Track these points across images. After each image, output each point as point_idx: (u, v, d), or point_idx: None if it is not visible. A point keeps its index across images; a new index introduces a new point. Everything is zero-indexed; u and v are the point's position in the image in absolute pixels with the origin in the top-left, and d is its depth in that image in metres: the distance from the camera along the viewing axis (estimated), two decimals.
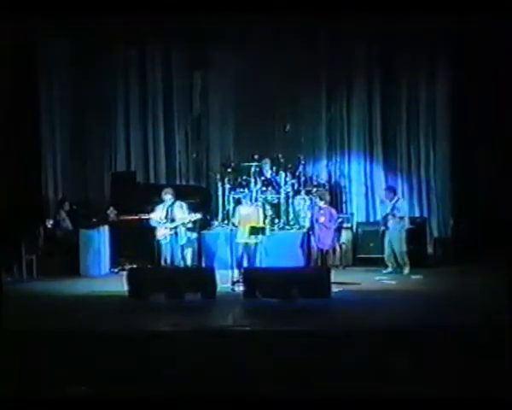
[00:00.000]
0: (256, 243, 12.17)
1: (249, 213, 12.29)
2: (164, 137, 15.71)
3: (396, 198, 13.32)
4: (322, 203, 12.95)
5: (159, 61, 15.47)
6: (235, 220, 12.31)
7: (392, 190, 13.62)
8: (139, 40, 14.95)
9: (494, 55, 13.70)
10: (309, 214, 13.23)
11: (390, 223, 13.10)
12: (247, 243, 12.08)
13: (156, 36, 14.81)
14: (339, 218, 13.38)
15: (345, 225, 14.17)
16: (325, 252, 12.85)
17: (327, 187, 14.74)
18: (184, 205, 12.31)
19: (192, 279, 11.35)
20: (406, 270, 13.06)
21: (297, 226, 14.02)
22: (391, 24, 14.08)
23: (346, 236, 14.11)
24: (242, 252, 12.08)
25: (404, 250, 13.08)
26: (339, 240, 13.64)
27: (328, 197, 13.25)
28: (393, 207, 13.12)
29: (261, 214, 12.46)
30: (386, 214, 13.17)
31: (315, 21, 13.94)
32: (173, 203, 12.18)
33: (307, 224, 13.51)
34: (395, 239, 13.08)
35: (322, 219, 12.84)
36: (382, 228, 13.26)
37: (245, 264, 12.07)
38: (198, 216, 12.50)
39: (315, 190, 14.21)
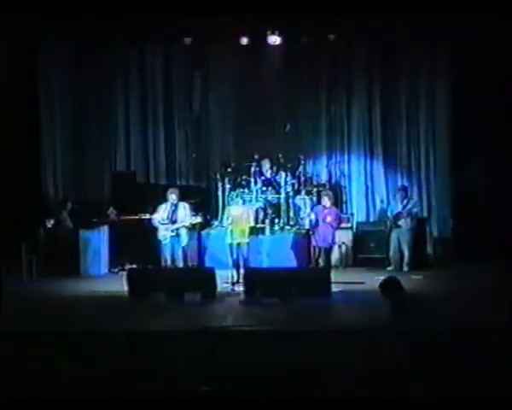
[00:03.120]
0: (248, 244, 12.17)
1: (240, 213, 12.27)
2: (164, 137, 15.70)
3: (409, 198, 13.59)
4: (329, 203, 12.88)
5: (159, 61, 15.46)
6: (227, 221, 12.28)
7: (405, 189, 13.86)
8: (139, 40, 14.93)
9: (494, 54, 13.70)
10: (312, 215, 13.03)
11: (401, 221, 13.35)
12: (239, 244, 12.07)
13: (156, 36, 14.79)
14: (341, 218, 13.34)
15: (344, 224, 14.13)
16: (328, 250, 12.79)
17: (327, 187, 14.72)
18: (187, 207, 12.31)
19: (192, 279, 11.37)
20: (406, 267, 13.28)
21: (297, 226, 14.01)
22: (391, 24, 14.10)
23: (346, 236, 14.09)
24: (237, 252, 12.08)
25: (411, 248, 13.31)
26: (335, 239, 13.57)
27: (333, 198, 13.18)
28: (406, 206, 13.39)
29: (251, 215, 12.48)
30: (399, 213, 13.33)
31: (315, 21, 13.93)
32: (177, 204, 12.19)
33: (307, 223, 13.40)
34: (406, 238, 13.34)
35: (328, 219, 12.68)
36: (391, 226, 13.40)
37: (239, 264, 12.07)
38: (198, 220, 12.51)
39: (315, 189, 14.21)
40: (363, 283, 11.89)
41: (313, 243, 12.87)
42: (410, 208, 13.42)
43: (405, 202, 13.52)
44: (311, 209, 13.40)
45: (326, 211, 12.79)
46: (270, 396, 6.51)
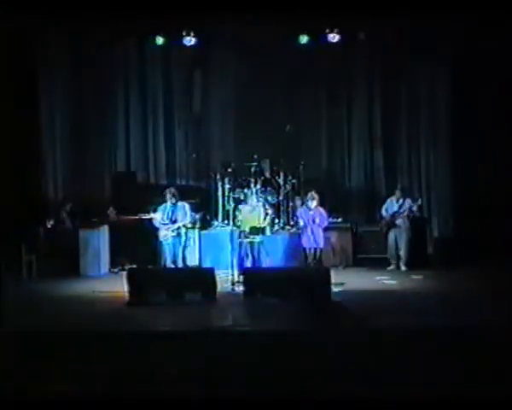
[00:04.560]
0: (259, 243, 12.23)
1: (252, 212, 12.34)
2: (164, 138, 15.71)
3: (405, 198, 13.59)
4: (314, 204, 12.90)
5: (159, 60, 15.46)
6: (239, 220, 12.36)
7: (402, 190, 13.85)
8: (139, 40, 14.93)
9: (495, 55, 13.70)
10: (301, 221, 13.03)
11: (399, 221, 13.40)
12: (251, 243, 12.12)
13: (156, 36, 14.80)
14: (328, 217, 13.31)
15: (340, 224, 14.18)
16: (318, 252, 12.83)
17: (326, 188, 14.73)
18: (187, 206, 12.33)
19: (192, 279, 11.37)
20: (404, 267, 13.36)
21: (297, 226, 14.00)
22: (391, 24, 14.13)
23: (345, 236, 14.08)
24: (245, 251, 12.12)
25: (408, 248, 13.38)
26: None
27: (317, 197, 13.11)
28: (403, 206, 13.43)
29: (263, 214, 12.53)
30: (396, 212, 13.39)
31: (316, 22, 13.94)
32: (176, 204, 12.20)
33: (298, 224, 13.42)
34: (403, 237, 13.42)
35: (316, 220, 12.79)
36: (388, 226, 13.41)
37: (247, 263, 12.11)
38: (196, 217, 12.52)
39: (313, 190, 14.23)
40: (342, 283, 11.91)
41: (303, 245, 12.90)
42: (407, 208, 13.44)
43: (401, 201, 13.55)
44: (297, 213, 13.41)
45: (311, 212, 12.86)
46: (270, 396, 6.51)
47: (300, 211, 13.23)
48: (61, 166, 15.46)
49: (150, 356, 7.72)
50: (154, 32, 14.69)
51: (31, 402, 6.51)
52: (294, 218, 13.81)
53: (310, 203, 12.93)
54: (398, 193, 13.73)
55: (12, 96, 13.86)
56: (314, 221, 12.77)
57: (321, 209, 13.03)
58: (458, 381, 6.74)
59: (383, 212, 13.74)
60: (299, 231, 13.21)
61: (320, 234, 12.82)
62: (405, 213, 13.43)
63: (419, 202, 13.79)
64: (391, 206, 13.66)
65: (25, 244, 13.25)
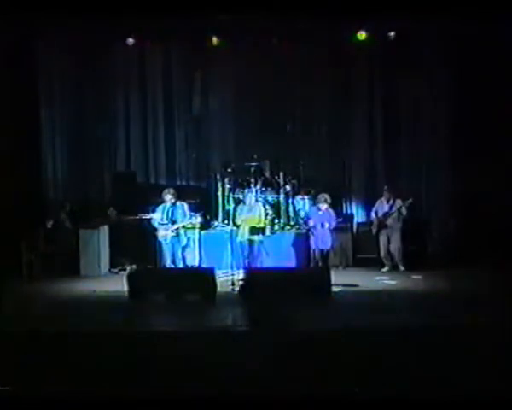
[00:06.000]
0: (259, 243, 12.25)
1: (252, 211, 12.36)
2: (164, 138, 15.71)
3: (394, 198, 13.48)
4: (325, 206, 12.89)
5: (159, 60, 15.47)
6: (239, 219, 12.37)
7: (390, 190, 13.70)
8: (139, 40, 14.94)
9: (495, 54, 13.69)
10: (311, 222, 13.03)
11: (390, 221, 13.32)
12: (250, 243, 12.13)
13: (156, 36, 14.80)
14: (337, 219, 13.32)
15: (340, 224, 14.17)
16: (326, 252, 12.85)
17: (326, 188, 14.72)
18: (186, 206, 12.33)
19: (192, 279, 11.38)
20: (402, 267, 13.33)
21: (297, 227, 14.01)
22: (391, 24, 14.14)
23: (345, 236, 14.08)
24: (247, 250, 12.14)
25: (401, 248, 13.36)
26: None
27: (329, 199, 13.11)
28: (393, 206, 13.34)
29: (263, 213, 12.56)
30: (387, 213, 13.30)
31: (315, 22, 13.94)
32: (175, 204, 12.20)
33: (307, 225, 13.42)
34: (396, 237, 13.36)
35: (324, 221, 12.78)
36: (379, 227, 13.38)
37: (247, 263, 12.13)
38: (198, 219, 12.52)
39: (314, 190, 14.20)
40: (356, 285, 11.93)
41: (312, 246, 12.88)
42: (398, 208, 13.37)
43: (392, 201, 13.47)
44: (308, 213, 13.41)
45: (320, 213, 12.83)
46: (269, 396, 6.52)
47: (311, 211, 13.20)
48: (60, 166, 15.46)
49: (150, 356, 7.72)
50: (154, 31, 14.69)
51: (31, 402, 6.51)
52: (303, 219, 13.74)
53: (321, 205, 12.87)
54: (386, 193, 13.61)
55: (12, 97, 13.86)
56: (323, 222, 12.75)
57: (330, 211, 13.01)
58: (458, 381, 6.74)
59: (372, 214, 13.70)
60: (304, 230, 13.21)
61: (328, 235, 12.77)
62: (395, 213, 13.37)
63: (410, 200, 13.62)
64: (381, 207, 13.58)
65: (25, 244, 13.25)
